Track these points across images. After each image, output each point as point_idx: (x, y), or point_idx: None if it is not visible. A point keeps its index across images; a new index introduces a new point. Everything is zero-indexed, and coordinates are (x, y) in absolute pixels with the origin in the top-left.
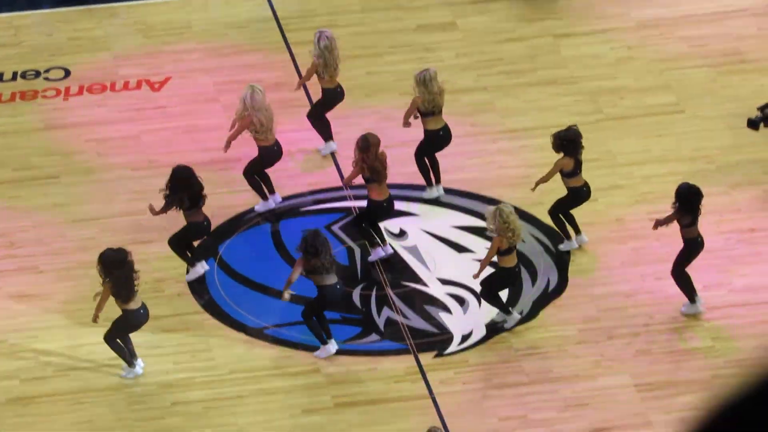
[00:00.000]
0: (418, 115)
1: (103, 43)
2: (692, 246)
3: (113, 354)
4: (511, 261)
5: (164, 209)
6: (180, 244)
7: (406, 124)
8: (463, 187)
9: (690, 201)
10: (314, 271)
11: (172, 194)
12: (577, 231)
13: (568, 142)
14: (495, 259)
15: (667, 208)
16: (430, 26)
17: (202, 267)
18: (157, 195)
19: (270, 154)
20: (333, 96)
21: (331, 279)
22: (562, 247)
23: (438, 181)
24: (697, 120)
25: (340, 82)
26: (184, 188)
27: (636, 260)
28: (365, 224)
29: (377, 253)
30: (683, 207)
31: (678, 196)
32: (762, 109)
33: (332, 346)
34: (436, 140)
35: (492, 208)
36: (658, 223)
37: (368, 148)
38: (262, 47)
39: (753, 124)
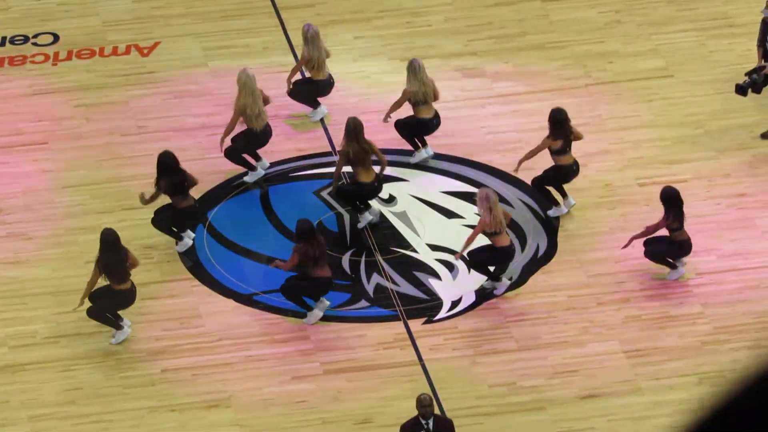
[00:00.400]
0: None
1: (91, 8)
2: (684, 246)
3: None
4: (503, 240)
5: (153, 197)
6: (162, 224)
7: (387, 118)
8: (452, 152)
9: (677, 204)
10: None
11: (156, 181)
12: (564, 194)
13: (553, 122)
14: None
15: (656, 173)
16: None
17: (189, 238)
18: (145, 159)
19: (259, 137)
20: (325, 85)
21: (327, 272)
22: (551, 213)
23: (425, 143)
24: (686, 85)
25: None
26: (165, 173)
27: (625, 226)
28: (354, 201)
29: (365, 218)
30: (673, 212)
31: (666, 201)
32: (750, 74)
33: (318, 311)
34: (426, 127)
35: (480, 191)
36: (647, 233)
37: (355, 134)
38: (251, 12)
39: (741, 89)
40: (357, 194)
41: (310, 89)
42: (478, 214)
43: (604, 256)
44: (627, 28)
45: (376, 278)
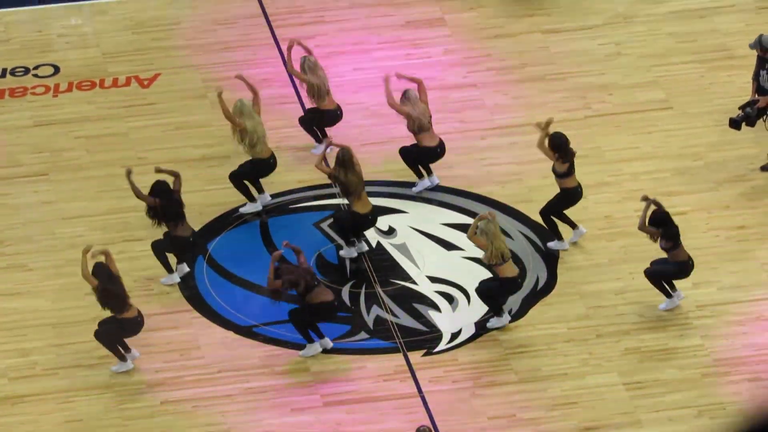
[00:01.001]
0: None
1: (92, 40)
2: (683, 267)
3: (103, 352)
4: (509, 271)
5: (138, 192)
6: (161, 250)
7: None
8: (452, 185)
9: (665, 225)
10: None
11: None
12: (573, 225)
13: (557, 147)
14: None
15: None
16: (419, 22)
17: (179, 273)
18: (146, 191)
19: (265, 166)
20: (332, 116)
21: (328, 296)
22: (551, 245)
23: (429, 172)
24: (685, 117)
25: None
26: (158, 199)
27: (625, 258)
28: (348, 233)
29: (349, 252)
30: (664, 233)
31: (656, 225)
32: (743, 108)
33: (318, 345)
34: (431, 155)
35: (482, 223)
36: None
37: (349, 165)
38: (251, 43)
39: (735, 123)
40: (352, 225)
41: (316, 118)
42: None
43: (603, 288)
44: (627, 60)
45: (375, 310)
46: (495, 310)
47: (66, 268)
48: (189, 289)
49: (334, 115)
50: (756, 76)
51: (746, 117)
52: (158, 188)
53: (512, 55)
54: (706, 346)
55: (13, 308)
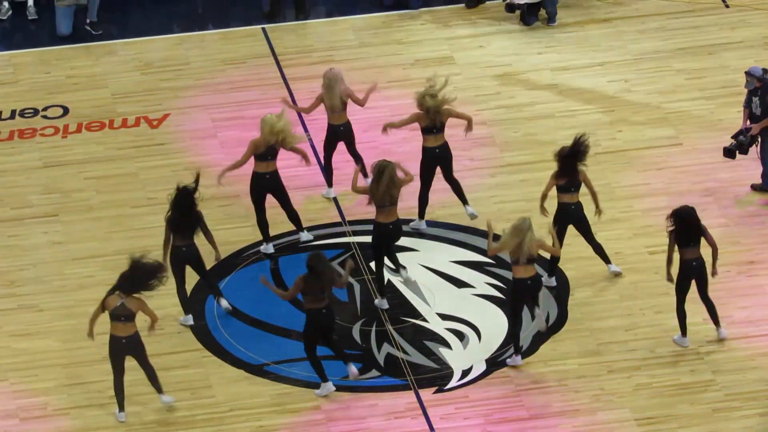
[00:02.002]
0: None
1: (100, 81)
2: (689, 267)
3: (112, 393)
4: (521, 272)
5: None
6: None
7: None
8: (462, 222)
9: (681, 223)
10: (308, 292)
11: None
12: (607, 261)
13: (560, 158)
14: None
15: (666, 241)
16: (428, 60)
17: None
18: (156, 231)
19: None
20: (333, 133)
21: (319, 304)
22: (612, 269)
23: (465, 201)
24: (695, 153)
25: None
26: (175, 207)
27: (635, 294)
28: (373, 252)
29: (382, 304)
30: (676, 230)
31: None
32: (736, 136)
33: (332, 385)
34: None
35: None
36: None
37: (379, 177)
38: (260, 83)
39: (729, 152)
40: (374, 235)
41: (329, 169)
42: None
43: (614, 324)
44: (636, 96)
45: (386, 348)
46: (510, 318)
47: (76, 308)
48: (199, 328)
49: (337, 130)
50: (747, 104)
51: (740, 145)
52: (177, 192)
53: (522, 93)
54: (718, 381)
55: (23, 349)
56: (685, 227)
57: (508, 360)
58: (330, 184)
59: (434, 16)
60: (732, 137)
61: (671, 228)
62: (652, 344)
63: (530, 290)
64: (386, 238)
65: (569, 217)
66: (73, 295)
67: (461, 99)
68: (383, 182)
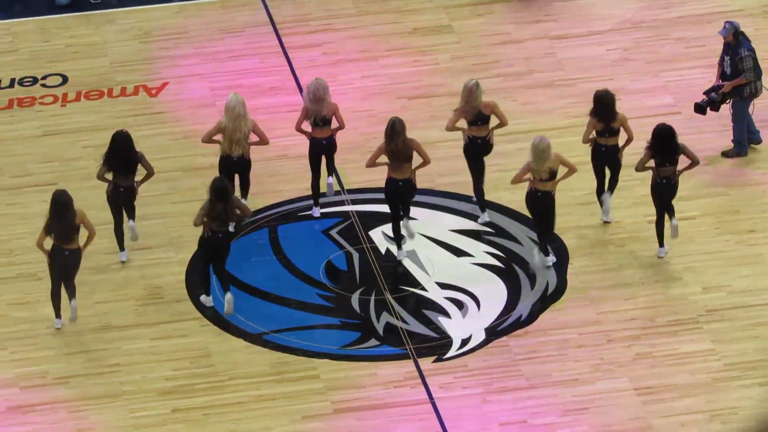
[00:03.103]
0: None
1: (99, 50)
2: (666, 184)
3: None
4: (541, 186)
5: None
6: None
7: None
8: (460, 191)
9: (659, 141)
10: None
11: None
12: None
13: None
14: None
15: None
16: (426, 29)
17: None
18: (154, 199)
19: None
20: (316, 147)
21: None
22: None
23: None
24: (694, 121)
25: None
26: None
27: (634, 263)
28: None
29: (401, 255)
30: (654, 147)
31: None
32: (708, 93)
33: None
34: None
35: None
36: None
37: (392, 132)
38: (258, 52)
39: (700, 108)
40: (385, 190)
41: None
42: None
43: (613, 293)
44: (635, 65)
45: (385, 317)
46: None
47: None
48: (198, 297)
49: (319, 143)
50: (720, 62)
51: (711, 102)
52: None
53: (520, 62)
54: (717, 351)
55: (23, 317)
56: (662, 144)
57: (547, 259)
58: (317, 202)
59: None
60: (704, 93)
61: (647, 145)
62: (652, 313)
63: (534, 203)
64: (397, 194)
65: (603, 156)
66: None
67: (460, 67)
68: (397, 136)
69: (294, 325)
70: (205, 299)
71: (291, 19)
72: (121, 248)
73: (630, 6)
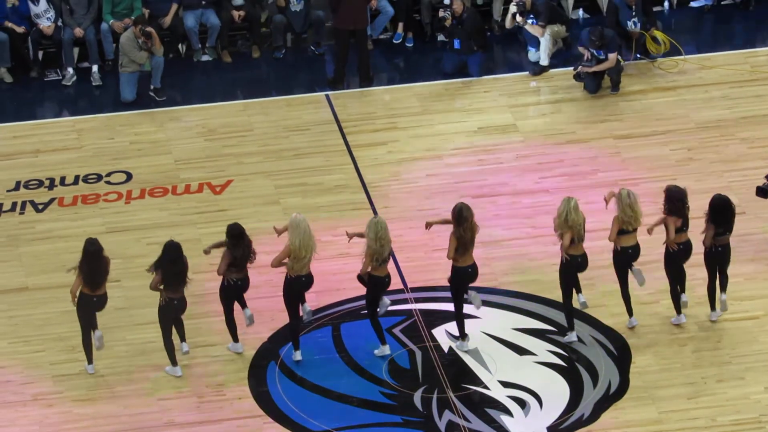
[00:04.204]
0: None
1: (164, 147)
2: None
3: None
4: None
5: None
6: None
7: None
8: (523, 290)
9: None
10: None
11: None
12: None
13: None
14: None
15: (731, 309)
16: (491, 128)
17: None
18: (215, 297)
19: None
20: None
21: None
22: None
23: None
24: (758, 221)
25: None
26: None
27: (697, 363)
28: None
29: (463, 346)
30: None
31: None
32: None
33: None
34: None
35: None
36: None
37: (461, 221)
38: (323, 150)
39: (763, 192)
40: (452, 278)
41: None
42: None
43: (676, 392)
44: (699, 165)
45: (448, 415)
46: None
47: (137, 374)
48: (261, 394)
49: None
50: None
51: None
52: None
53: (584, 161)
54: None
55: (87, 414)
56: (720, 215)
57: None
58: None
59: (497, 83)
60: (766, 177)
61: (706, 218)
62: (714, 413)
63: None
64: (467, 281)
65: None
66: (135, 360)
67: (524, 166)
68: (468, 223)
69: (356, 423)
70: (234, 346)
71: (356, 117)
72: (173, 363)
73: (694, 106)
